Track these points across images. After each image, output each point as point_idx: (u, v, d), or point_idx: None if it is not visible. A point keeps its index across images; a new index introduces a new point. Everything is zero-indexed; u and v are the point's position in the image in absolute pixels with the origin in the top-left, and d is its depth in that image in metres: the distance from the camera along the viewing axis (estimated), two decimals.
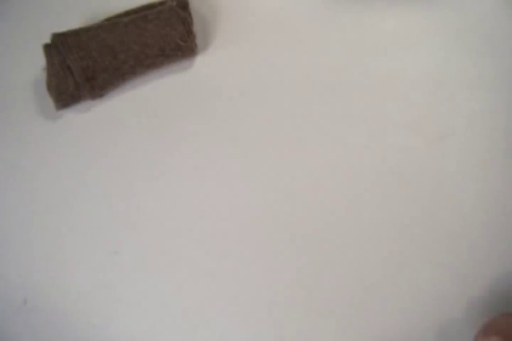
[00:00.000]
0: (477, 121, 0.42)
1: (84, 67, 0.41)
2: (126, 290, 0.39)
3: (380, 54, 0.46)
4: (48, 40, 0.44)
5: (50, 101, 0.43)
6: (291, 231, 0.40)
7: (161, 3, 0.45)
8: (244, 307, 0.38)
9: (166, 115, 0.44)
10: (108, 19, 0.45)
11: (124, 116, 0.44)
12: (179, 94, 0.45)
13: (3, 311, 0.39)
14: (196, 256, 0.40)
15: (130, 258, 0.40)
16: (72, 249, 0.40)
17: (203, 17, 0.47)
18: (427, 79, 0.44)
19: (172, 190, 0.42)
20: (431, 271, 0.38)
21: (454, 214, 0.39)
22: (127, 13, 0.45)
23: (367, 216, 0.40)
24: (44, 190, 0.43)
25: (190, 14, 0.45)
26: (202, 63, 0.45)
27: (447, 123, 0.43)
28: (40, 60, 0.45)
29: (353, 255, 0.39)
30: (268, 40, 0.47)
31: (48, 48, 0.42)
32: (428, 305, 0.37)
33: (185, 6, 0.45)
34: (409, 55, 0.46)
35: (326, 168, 0.42)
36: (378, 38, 0.47)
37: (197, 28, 0.45)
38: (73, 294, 0.39)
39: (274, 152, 0.43)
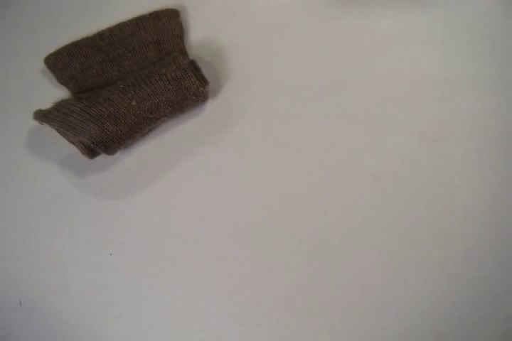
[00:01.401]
0: (475, 122, 0.42)
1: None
2: (121, 291, 0.39)
3: (379, 55, 0.46)
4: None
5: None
6: (288, 233, 0.40)
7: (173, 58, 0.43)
8: (241, 308, 0.38)
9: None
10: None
11: None
12: None
13: None
14: (192, 257, 0.40)
15: (126, 260, 0.40)
16: (67, 251, 0.40)
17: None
18: (425, 80, 0.44)
19: (167, 192, 0.42)
20: (428, 272, 0.38)
21: (452, 214, 0.39)
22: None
23: (365, 217, 0.40)
24: (40, 193, 0.43)
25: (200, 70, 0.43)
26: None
27: (445, 124, 0.43)
28: (39, 62, 0.45)
29: (351, 256, 0.38)
30: (264, 40, 0.47)
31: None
32: (425, 307, 0.37)
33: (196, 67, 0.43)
34: (407, 56, 0.46)
35: (324, 169, 0.42)
36: (377, 38, 0.47)
37: None
38: (68, 295, 0.39)
39: (271, 153, 0.42)
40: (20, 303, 0.39)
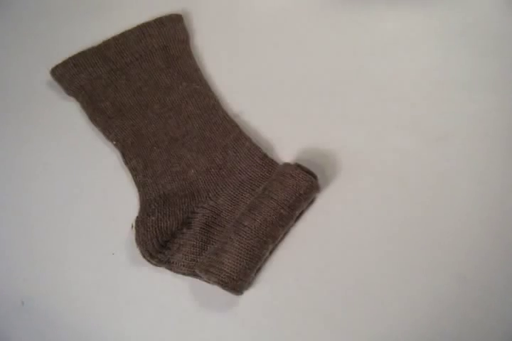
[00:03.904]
0: (476, 122, 0.43)
1: None
2: (123, 290, 0.39)
3: (380, 54, 0.46)
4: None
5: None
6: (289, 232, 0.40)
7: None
8: (242, 307, 0.38)
9: None
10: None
11: None
12: None
13: (0, 313, 0.39)
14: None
15: (128, 259, 0.40)
16: (69, 251, 0.41)
17: None
18: (426, 80, 0.45)
19: None
20: (429, 272, 0.38)
21: (453, 214, 0.39)
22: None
23: (365, 216, 0.40)
24: (42, 193, 0.43)
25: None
26: None
27: (446, 123, 0.43)
28: (45, 74, 0.45)
29: (352, 256, 0.39)
30: (267, 41, 0.47)
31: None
32: (427, 307, 0.37)
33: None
34: (408, 56, 0.46)
35: (324, 169, 0.42)
36: (378, 38, 0.47)
37: None
38: (70, 295, 0.39)
39: (272, 153, 0.42)
40: (23, 303, 0.39)
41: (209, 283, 0.37)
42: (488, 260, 0.38)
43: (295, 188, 0.38)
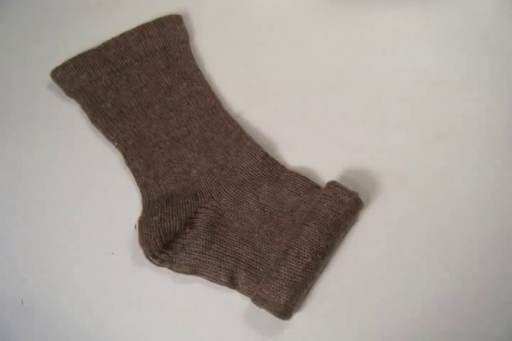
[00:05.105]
0: (475, 121, 0.43)
1: None
2: (123, 290, 0.39)
3: (379, 54, 0.46)
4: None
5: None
6: None
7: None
8: (242, 307, 0.38)
9: None
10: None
11: None
12: None
13: (0, 313, 0.39)
14: None
15: (127, 259, 0.40)
16: (69, 250, 0.41)
17: None
18: (426, 79, 0.45)
19: None
20: (428, 272, 0.38)
21: (452, 214, 0.39)
22: None
23: (365, 216, 0.40)
24: (40, 192, 0.43)
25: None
26: None
27: (445, 123, 0.43)
28: (45, 76, 0.45)
29: (353, 255, 0.39)
30: (267, 41, 0.48)
31: None
32: (427, 307, 0.37)
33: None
34: (407, 55, 0.46)
35: (325, 169, 0.42)
36: (377, 37, 0.47)
37: None
38: (70, 295, 0.39)
39: (273, 153, 0.42)
40: (22, 302, 0.39)
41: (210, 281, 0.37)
42: (488, 259, 0.38)
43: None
